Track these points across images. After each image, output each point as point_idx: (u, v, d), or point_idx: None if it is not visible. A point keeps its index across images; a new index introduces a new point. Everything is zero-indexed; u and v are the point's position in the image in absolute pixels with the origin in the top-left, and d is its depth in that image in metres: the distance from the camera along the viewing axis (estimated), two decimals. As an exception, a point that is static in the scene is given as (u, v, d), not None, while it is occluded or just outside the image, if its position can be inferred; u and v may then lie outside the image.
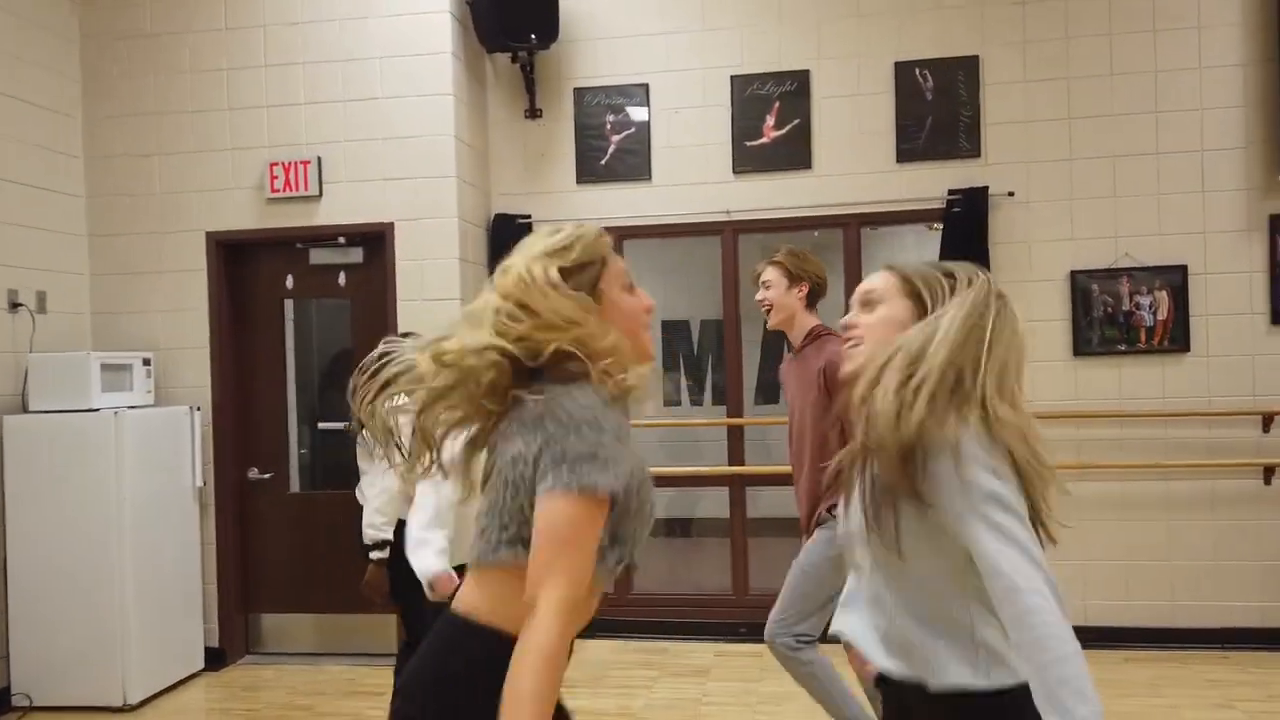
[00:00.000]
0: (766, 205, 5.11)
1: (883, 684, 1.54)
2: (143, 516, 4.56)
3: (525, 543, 1.38)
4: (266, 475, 5.14)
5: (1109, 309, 4.88)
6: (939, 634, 1.42)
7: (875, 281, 1.59)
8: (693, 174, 5.17)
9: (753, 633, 5.09)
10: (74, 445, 4.46)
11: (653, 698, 4.40)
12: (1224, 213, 4.81)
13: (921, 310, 1.50)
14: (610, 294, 1.55)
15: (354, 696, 4.48)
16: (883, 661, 1.50)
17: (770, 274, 3.19)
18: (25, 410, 4.55)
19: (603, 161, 5.21)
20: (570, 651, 1.44)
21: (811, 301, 3.20)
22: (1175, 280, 4.83)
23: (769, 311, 3.22)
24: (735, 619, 5.20)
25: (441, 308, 4.78)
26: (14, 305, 4.60)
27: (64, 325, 4.93)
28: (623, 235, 5.29)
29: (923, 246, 5.43)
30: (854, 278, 5.21)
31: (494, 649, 1.37)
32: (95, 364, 4.54)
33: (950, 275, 1.52)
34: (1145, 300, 4.86)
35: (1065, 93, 4.91)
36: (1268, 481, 4.73)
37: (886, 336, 1.48)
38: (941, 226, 4.99)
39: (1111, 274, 4.87)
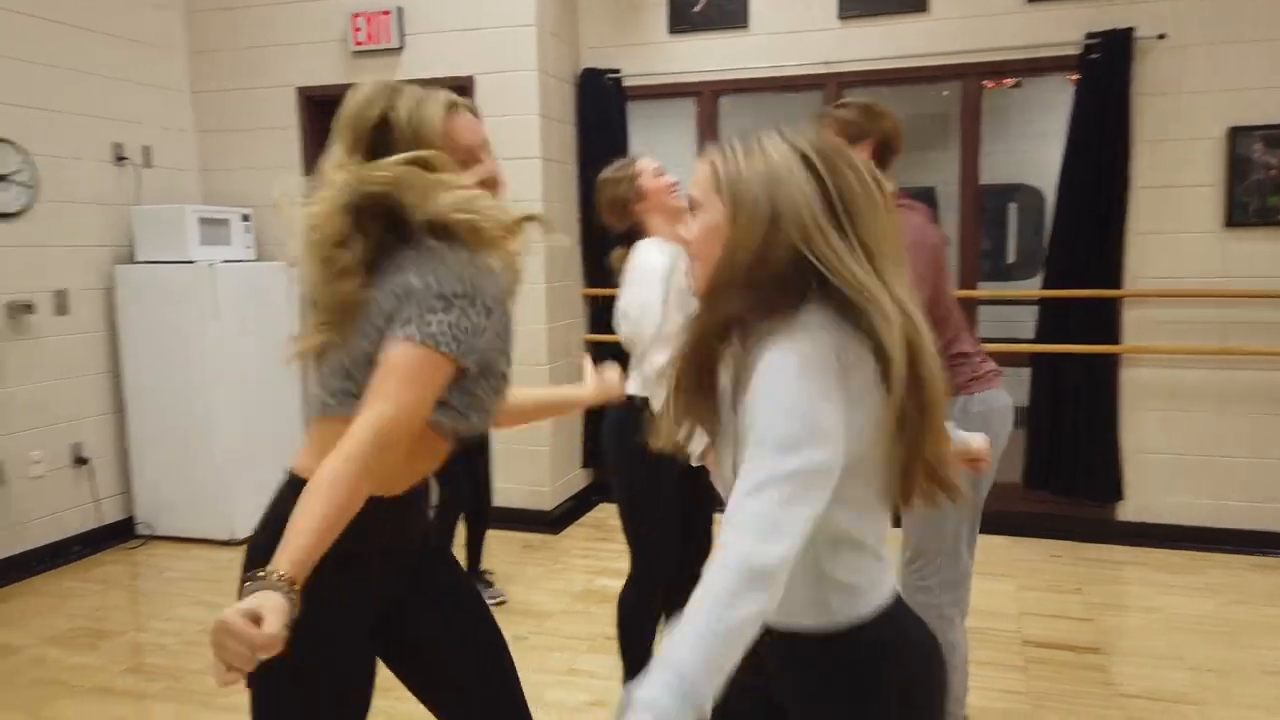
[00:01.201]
0: (874, 55, 4.63)
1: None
2: (241, 367, 4.76)
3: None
4: (361, 333, 5.24)
5: (1271, 172, 4.20)
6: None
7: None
8: (794, 20, 4.73)
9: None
10: (175, 295, 4.65)
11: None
12: None
13: None
14: None
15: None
16: None
17: (829, 132, 2.73)
18: (133, 261, 4.77)
19: (696, 8, 4.84)
20: None
21: (882, 163, 2.59)
22: (1360, 138, 4.09)
23: None
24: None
25: (523, 166, 4.64)
26: (119, 159, 4.77)
27: (170, 180, 5.09)
28: (717, 90, 4.96)
29: (1054, 102, 4.81)
30: (972, 140, 4.71)
31: None
32: (193, 217, 4.68)
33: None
34: (1319, 162, 4.16)
35: (1241, -89, 4.14)
36: None
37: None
38: (1077, 78, 4.40)
39: (1279, 131, 4.18)
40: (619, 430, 2.66)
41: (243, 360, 4.76)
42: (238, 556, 1.44)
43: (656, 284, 2.52)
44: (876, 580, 1.23)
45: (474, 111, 1.52)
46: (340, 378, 1.39)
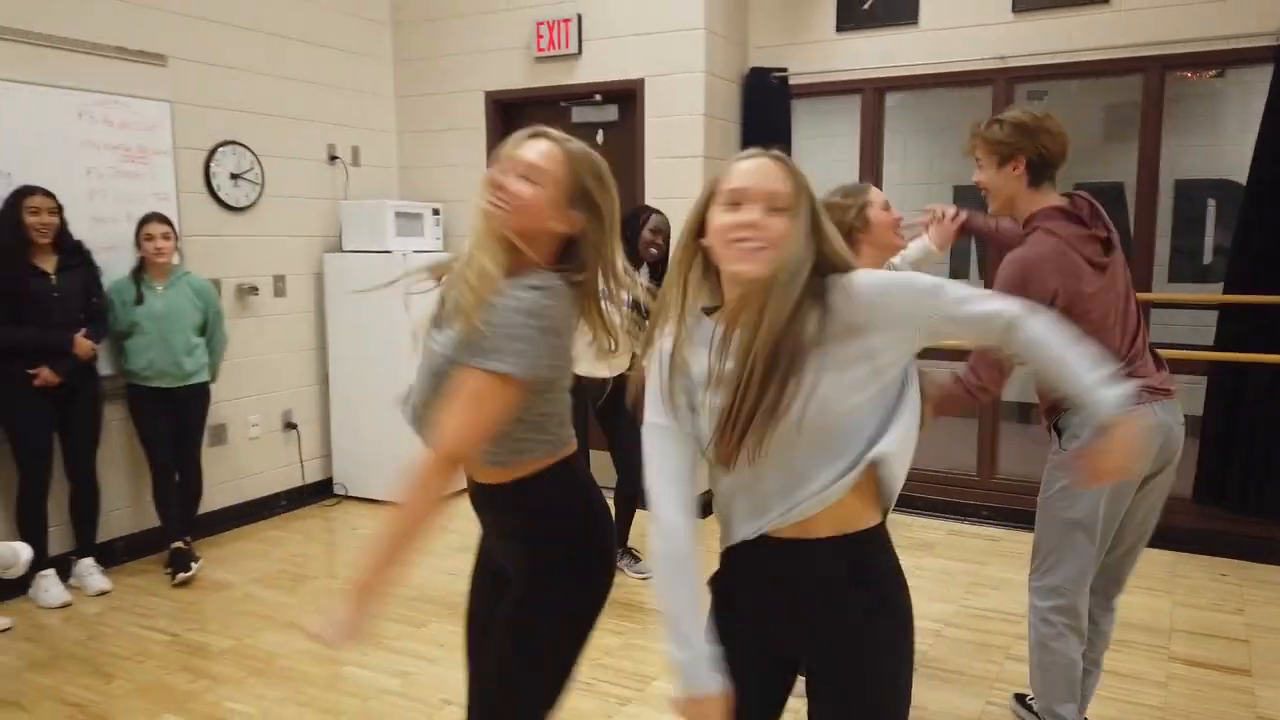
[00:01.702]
0: (1049, 49, 4.51)
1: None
2: (427, 347, 5.21)
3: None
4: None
5: None
6: None
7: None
8: (966, 14, 4.67)
9: (994, 516, 4.85)
10: (373, 282, 5.15)
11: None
12: None
13: None
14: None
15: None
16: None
17: (980, 150, 2.49)
18: (340, 250, 5.34)
19: (865, 5, 4.86)
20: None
21: (1038, 177, 2.44)
22: None
23: (987, 196, 2.56)
24: (976, 500, 4.95)
25: (685, 166, 4.84)
26: (332, 158, 5.36)
27: (374, 177, 5.65)
28: (882, 87, 4.97)
29: (1262, 93, 4.50)
30: (1152, 138, 4.50)
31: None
32: (390, 211, 5.18)
33: None
34: None
35: None
36: None
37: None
38: (1274, 70, 4.13)
39: None
40: None
41: (429, 341, 5.21)
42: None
43: None
44: None
45: (555, 140, 1.70)
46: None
